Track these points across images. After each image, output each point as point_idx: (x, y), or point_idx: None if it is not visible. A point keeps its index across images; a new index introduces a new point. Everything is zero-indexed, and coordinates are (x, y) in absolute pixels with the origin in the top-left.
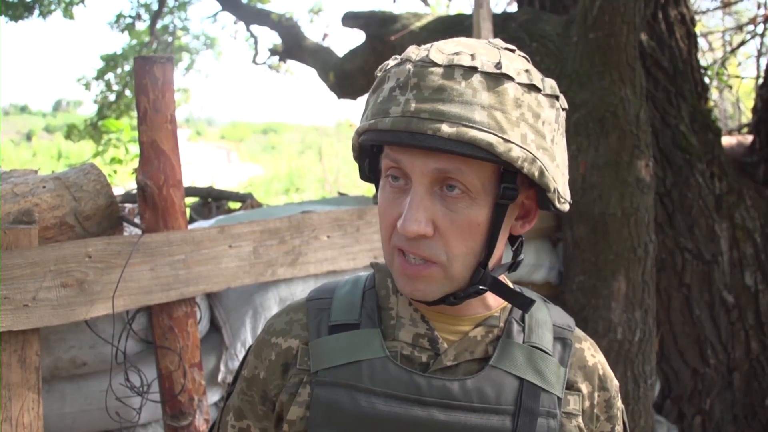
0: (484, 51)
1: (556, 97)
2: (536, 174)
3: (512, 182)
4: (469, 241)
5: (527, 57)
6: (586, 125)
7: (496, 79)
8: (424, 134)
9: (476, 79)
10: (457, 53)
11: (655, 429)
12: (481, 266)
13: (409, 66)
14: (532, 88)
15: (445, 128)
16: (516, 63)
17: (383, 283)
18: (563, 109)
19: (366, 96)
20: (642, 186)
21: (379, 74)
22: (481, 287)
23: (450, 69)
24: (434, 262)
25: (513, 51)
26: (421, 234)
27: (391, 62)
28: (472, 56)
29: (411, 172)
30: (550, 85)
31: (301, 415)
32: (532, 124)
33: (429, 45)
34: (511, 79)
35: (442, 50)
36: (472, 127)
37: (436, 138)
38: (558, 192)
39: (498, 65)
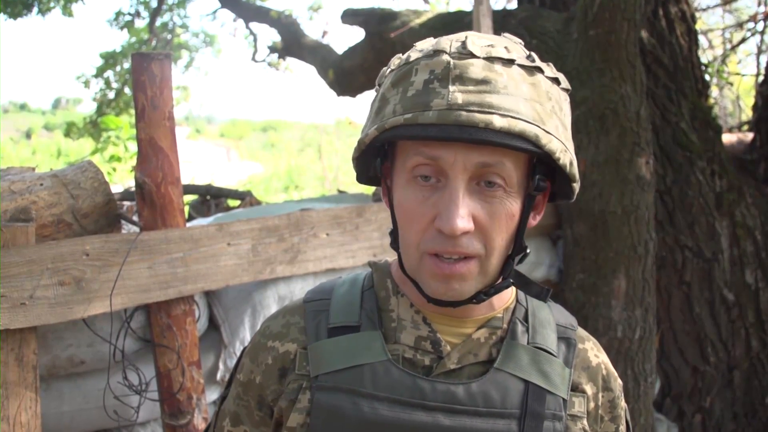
0: (509, 44)
1: (567, 90)
2: (567, 164)
3: (543, 173)
4: (505, 234)
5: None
6: (586, 122)
7: (531, 71)
8: (475, 127)
9: (516, 70)
10: (491, 45)
11: (655, 427)
12: (510, 259)
13: (445, 57)
14: (555, 81)
15: (497, 120)
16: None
17: (382, 283)
18: None
19: (368, 94)
20: (642, 183)
21: (395, 67)
22: (510, 281)
23: (490, 60)
24: (473, 257)
25: (521, 44)
26: (467, 231)
27: (415, 54)
28: (506, 48)
29: (450, 167)
30: (563, 78)
31: (301, 421)
32: (558, 116)
33: (455, 37)
34: (542, 71)
35: (475, 42)
36: (520, 119)
37: (488, 131)
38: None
39: (530, 58)
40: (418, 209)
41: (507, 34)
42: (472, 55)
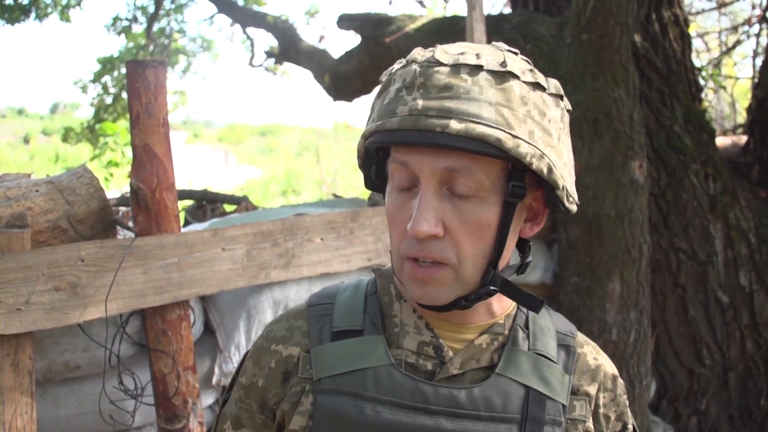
0: (488, 51)
1: (561, 97)
2: (545, 170)
3: (521, 180)
4: (479, 242)
5: (529, 61)
6: (580, 126)
7: (502, 76)
8: (433, 131)
9: (482, 76)
10: (462, 53)
11: (650, 429)
12: (491, 266)
13: (414, 66)
14: (537, 86)
15: (454, 124)
16: (520, 63)
17: (386, 289)
18: (567, 111)
19: (364, 99)
20: (636, 187)
21: (384, 78)
22: (492, 288)
23: (456, 67)
24: (445, 264)
25: (516, 54)
26: (432, 234)
27: (397, 65)
28: (477, 55)
29: (419, 172)
30: (554, 84)
31: (303, 424)
32: (538, 122)
33: (433, 47)
34: (516, 77)
35: (446, 51)
36: (480, 123)
37: (445, 135)
38: (567, 190)
39: (503, 64)
40: (398, 215)
41: (496, 43)
42: (439, 63)
